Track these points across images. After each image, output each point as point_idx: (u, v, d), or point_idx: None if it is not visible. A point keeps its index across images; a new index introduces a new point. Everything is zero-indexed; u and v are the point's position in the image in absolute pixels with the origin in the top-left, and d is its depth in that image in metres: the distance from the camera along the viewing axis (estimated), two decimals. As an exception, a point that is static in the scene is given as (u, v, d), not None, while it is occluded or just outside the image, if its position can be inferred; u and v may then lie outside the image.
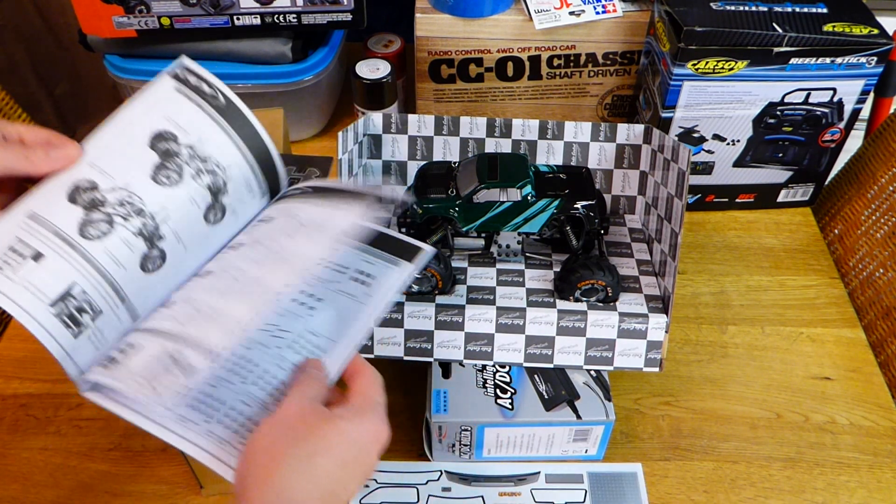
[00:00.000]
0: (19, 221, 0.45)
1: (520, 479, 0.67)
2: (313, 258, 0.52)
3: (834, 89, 0.81)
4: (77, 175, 0.47)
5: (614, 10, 0.90)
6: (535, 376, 0.67)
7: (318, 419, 0.44)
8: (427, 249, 0.55)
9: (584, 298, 0.68)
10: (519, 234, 0.73)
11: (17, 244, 0.44)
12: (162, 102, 0.50)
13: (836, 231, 0.94)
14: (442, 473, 0.67)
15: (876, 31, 0.77)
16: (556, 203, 0.70)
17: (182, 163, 0.49)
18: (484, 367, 0.67)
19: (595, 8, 0.90)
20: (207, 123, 0.51)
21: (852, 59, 0.78)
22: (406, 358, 0.66)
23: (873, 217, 0.88)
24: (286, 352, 0.49)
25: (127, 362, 0.45)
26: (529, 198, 0.69)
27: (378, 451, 0.46)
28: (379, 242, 0.56)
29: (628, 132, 0.79)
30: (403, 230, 0.74)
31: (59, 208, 0.45)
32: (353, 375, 0.49)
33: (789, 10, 0.79)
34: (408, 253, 0.55)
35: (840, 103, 0.82)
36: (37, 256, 0.44)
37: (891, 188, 0.87)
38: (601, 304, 0.68)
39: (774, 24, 0.76)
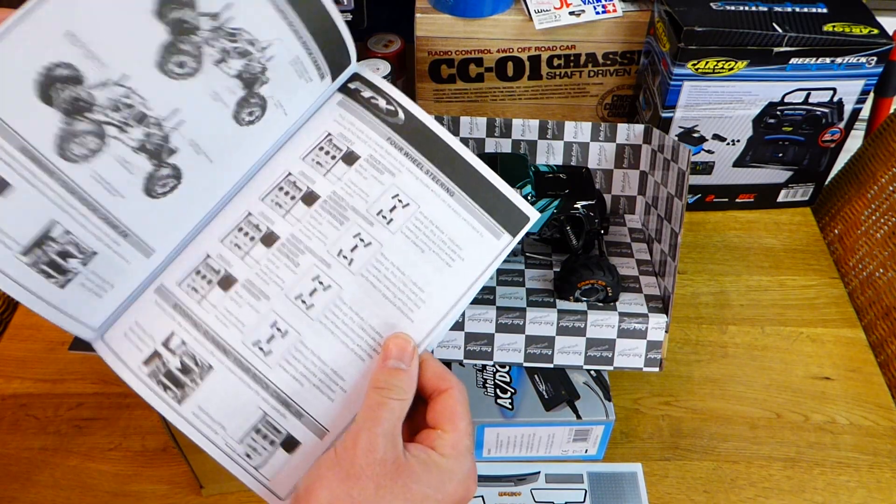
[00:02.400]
0: None
1: (520, 479, 0.67)
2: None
3: (834, 89, 0.81)
4: (51, 52, 0.32)
5: (614, 10, 0.90)
6: (535, 376, 0.67)
7: (397, 472, 0.38)
8: (533, 217, 0.48)
9: (584, 298, 0.68)
10: (519, 234, 0.73)
11: None
12: None
13: (836, 231, 0.94)
14: (442, 473, 0.67)
15: (876, 31, 0.77)
16: (556, 203, 0.70)
17: (201, 41, 0.36)
18: (484, 367, 0.67)
19: (595, 8, 0.90)
20: None
21: (852, 59, 0.78)
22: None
23: (873, 217, 0.88)
24: (346, 338, 0.43)
25: (194, 391, 0.41)
26: (529, 198, 0.69)
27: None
28: (478, 190, 0.46)
29: (628, 132, 0.79)
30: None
31: (27, 110, 0.32)
32: (437, 392, 0.42)
33: (789, 10, 0.79)
34: (513, 220, 0.47)
35: (840, 103, 0.82)
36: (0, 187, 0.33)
37: (891, 188, 0.87)
38: (601, 304, 0.68)
39: (774, 24, 0.76)
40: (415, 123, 0.46)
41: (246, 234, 0.44)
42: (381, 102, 0.46)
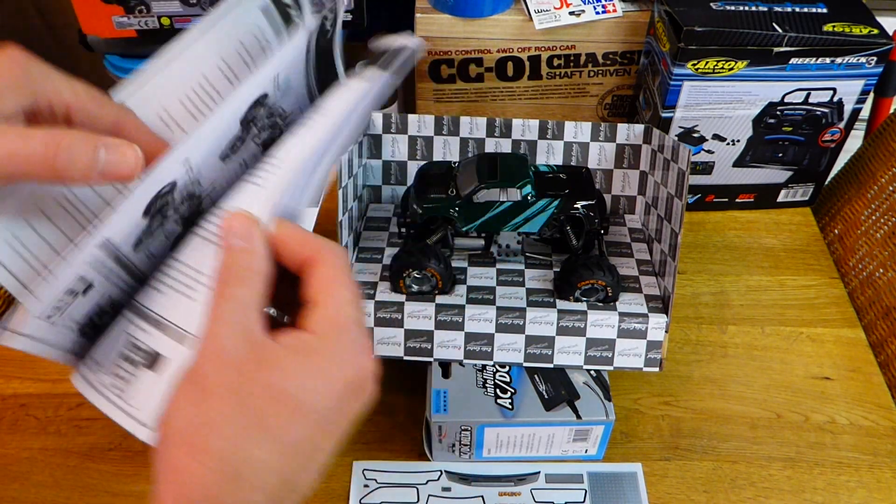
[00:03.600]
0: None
1: (520, 479, 0.67)
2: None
3: (834, 89, 0.81)
4: (167, 176, 0.34)
5: (614, 10, 0.90)
6: (535, 376, 0.67)
7: (258, 370, 0.31)
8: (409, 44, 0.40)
9: (584, 298, 0.68)
10: (519, 234, 0.73)
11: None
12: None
13: (836, 231, 0.94)
14: (442, 473, 0.67)
15: (876, 31, 0.77)
16: (556, 203, 0.70)
17: (256, 128, 0.38)
18: (484, 366, 0.67)
19: (595, 8, 0.90)
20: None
21: (852, 59, 0.78)
22: (406, 358, 0.66)
23: (873, 217, 0.88)
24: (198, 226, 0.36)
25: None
26: (529, 198, 0.69)
27: (362, 397, 0.33)
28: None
29: (628, 132, 0.79)
30: (404, 230, 0.74)
31: (131, 223, 0.34)
32: (306, 265, 0.34)
33: (789, 10, 0.79)
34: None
35: (840, 103, 0.82)
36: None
37: (891, 188, 0.87)
38: (601, 304, 0.68)
39: (774, 24, 0.76)
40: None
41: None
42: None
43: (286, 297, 0.35)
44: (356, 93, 0.38)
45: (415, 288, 0.67)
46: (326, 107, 0.38)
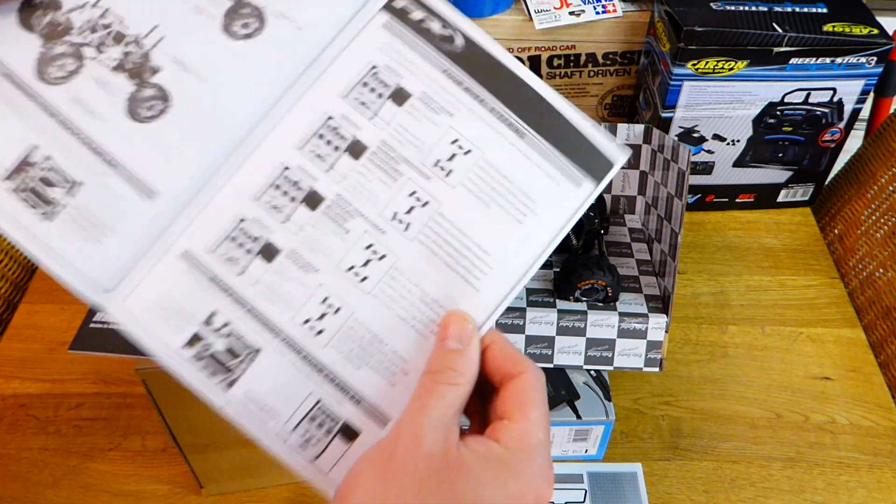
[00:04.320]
0: None
1: (520, 479, 0.67)
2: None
3: (834, 89, 0.81)
4: None
5: (614, 10, 0.90)
6: (535, 376, 0.67)
7: (447, 469, 0.32)
8: (620, 160, 0.40)
9: (584, 298, 0.68)
10: (519, 234, 0.73)
11: None
12: None
13: (836, 231, 0.94)
14: (442, 473, 0.67)
15: (876, 31, 0.77)
16: (556, 203, 0.70)
17: None
18: (484, 367, 0.67)
19: (595, 8, 0.90)
20: None
21: (852, 59, 0.78)
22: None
23: (873, 217, 0.88)
24: (406, 314, 0.38)
25: (243, 376, 0.37)
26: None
27: None
28: (553, 130, 0.40)
29: (628, 132, 0.79)
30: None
31: (9, 38, 0.33)
32: (508, 378, 0.36)
33: (789, 10, 0.79)
34: (594, 164, 0.39)
35: (840, 103, 0.82)
36: None
37: (891, 188, 0.87)
38: (601, 304, 0.68)
39: (774, 24, 0.76)
40: (476, 51, 0.39)
41: (285, 193, 0.38)
42: (435, 25, 0.39)
43: (471, 405, 0.37)
44: (578, 201, 0.39)
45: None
46: (544, 208, 0.38)
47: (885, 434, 0.71)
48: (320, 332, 0.37)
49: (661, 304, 0.68)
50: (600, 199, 0.73)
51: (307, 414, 0.37)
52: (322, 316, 0.38)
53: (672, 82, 0.79)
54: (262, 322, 0.38)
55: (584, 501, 0.66)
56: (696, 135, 0.85)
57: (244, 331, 0.37)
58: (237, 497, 0.65)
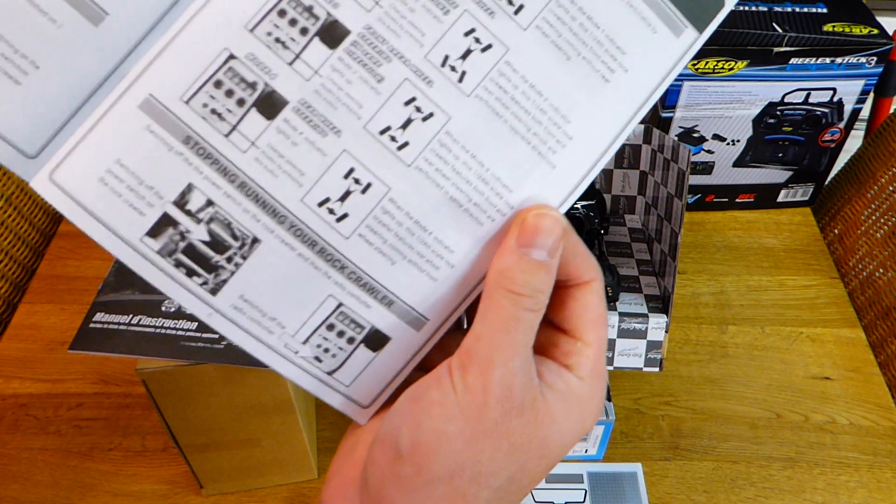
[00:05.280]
0: None
1: (520, 479, 0.67)
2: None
3: (834, 89, 0.81)
4: None
5: (614, 10, 0.90)
6: (535, 376, 0.67)
7: (536, 420, 0.28)
8: (729, 2, 0.31)
9: (584, 298, 0.68)
10: (519, 234, 0.73)
11: None
12: None
13: (836, 231, 0.94)
14: (442, 473, 0.67)
15: (876, 31, 0.77)
16: (556, 203, 0.70)
17: None
18: (484, 367, 0.67)
19: (595, 8, 0.90)
20: None
21: (852, 59, 0.78)
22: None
23: (873, 217, 0.88)
24: (457, 192, 0.29)
25: (234, 276, 0.29)
26: (529, 198, 0.69)
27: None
28: None
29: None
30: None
31: None
32: (576, 284, 0.30)
33: (789, 10, 0.79)
34: (697, 6, 0.31)
35: (840, 103, 0.82)
36: None
37: (891, 188, 0.87)
38: (601, 304, 0.68)
39: (774, 24, 0.76)
40: None
41: (293, 22, 0.28)
42: None
43: None
44: (678, 53, 0.31)
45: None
46: (637, 62, 0.30)
47: (885, 434, 0.71)
48: (343, 217, 0.29)
49: (661, 304, 0.68)
50: (600, 199, 0.73)
51: (324, 321, 0.30)
52: (345, 195, 0.29)
53: (672, 82, 0.79)
54: (261, 202, 0.28)
55: (584, 501, 0.66)
56: (696, 135, 0.85)
57: (235, 213, 0.28)
58: (237, 497, 0.65)
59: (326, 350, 0.30)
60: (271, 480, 0.65)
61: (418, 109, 0.29)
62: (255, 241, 0.29)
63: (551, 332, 0.30)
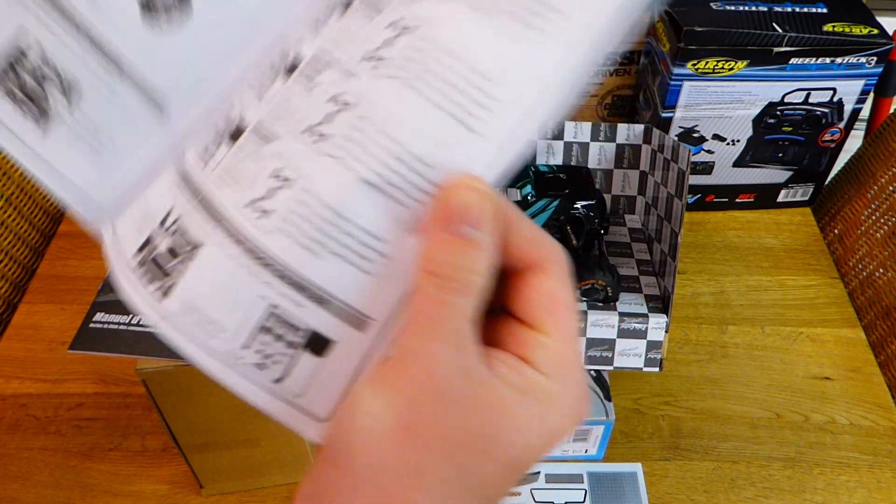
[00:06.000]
0: None
1: (520, 479, 0.67)
2: None
3: (834, 89, 0.81)
4: None
5: (614, 10, 0.90)
6: (535, 376, 0.67)
7: (483, 404, 0.24)
8: None
9: (584, 298, 0.68)
10: (519, 234, 0.73)
11: None
12: None
13: (836, 231, 0.94)
14: (442, 473, 0.67)
15: (876, 31, 0.77)
16: (555, 203, 0.70)
17: None
18: (484, 367, 0.67)
19: (595, 8, 0.90)
20: None
21: (852, 59, 0.78)
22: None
23: (873, 217, 0.88)
24: (377, 177, 0.27)
25: (179, 281, 0.29)
26: (529, 198, 0.69)
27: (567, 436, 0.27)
28: None
29: (628, 132, 0.79)
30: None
31: None
32: (530, 268, 0.26)
33: (789, 10, 0.79)
34: None
35: (840, 103, 0.82)
36: None
37: (891, 188, 0.87)
38: (601, 304, 0.68)
39: (774, 24, 0.76)
40: None
41: (271, 66, 0.29)
42: None
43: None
44: None
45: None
46: (571, 4, 0.26)
47: (885, 434, 0.71)
48: (266, 212, 0.28)
49: (661, 304, 0.68)
50: (600, 199, 0.73)
51: (259, 324, 0.28)
52: (272, 192, 0.28)
53: (672, 82, 0.79)
54: (209, 210, 0.29)
55: (584, 501, 0.66)
56: (696, 135, 0.85)
57: (189, 223, 0.29)
58: (237, 497, 0.65)
59: (268, 356, 0.29)
60: (271, 480, 0.65)
61: (338, 102, 0.28)
62: (198, 246, 0.29)
63: (510, 322, 0.27)
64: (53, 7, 0.27)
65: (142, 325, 0.52)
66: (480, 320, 0.26)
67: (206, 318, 0.29)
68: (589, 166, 0.81)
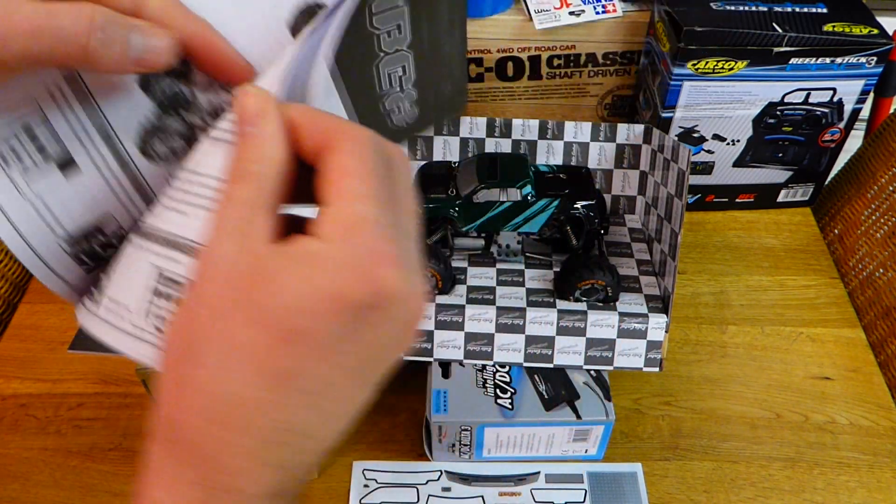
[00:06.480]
0: None
1: (520, 479, 0.67)
2: None
3: (834, 89, 0.81)
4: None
5: (614, 10, 0.90)
6: (535, 376, 0.67)
7: (251, 282, 0.25)
8: None
9: (584, 298, 0.68)
10: (519, 234, 0.73)
11: None
12: None
13: (835, 231, 0.94)
14: (442, 473, 0.67)
15: (876, 31, 0.77)
16: (556, 203, 0.70)
17: None
18: (484, 366, 0.67)
19: (595, 8, 0.90)
20: None
21: (852, 59, 0.78)
22: (406, 358, 0.66)
23: (873, 217, 0.88)
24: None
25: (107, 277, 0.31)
26: (529, 198, 0.69)
27: (386, 319, 0.26)
28: None
29: (628, 132, 0.79)
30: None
31: (123, 94, 0.30)
32: (322, 154, 0.27)
33: (789, 10, 0.79)
34: None
35: (840, 103, 0.82)
36: None
37: (891, 188, 0.87)
38: (601, 304, 0.68)
39: (774, 24, 0.76)
40: None
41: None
42: None
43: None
44: None
45: (415, 288, 0.67)
46: None
47: (885, 434, 0.71)
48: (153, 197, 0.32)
49: (661, 304, 0.68)
50: (600, 198, 0.73)
51: (152, 290, 0.30)
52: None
53: (672, 82, 0.79)
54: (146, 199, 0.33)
55: (584, 501, 0.66)
56: (696, 135, 0.85)
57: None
58: (237, 497, 0.65)
59: (163, 319, 0.30)
60: (271, 480, 0.65)
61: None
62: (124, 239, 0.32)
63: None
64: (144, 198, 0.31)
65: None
66: (276, 206, 0.27)
67: (115, 301, 0.31)
68: (589, 166, 0.81)
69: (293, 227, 0.27)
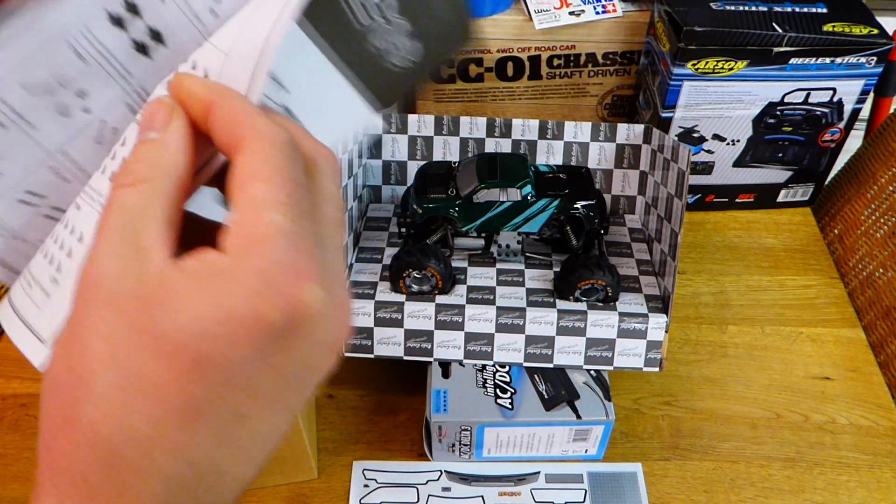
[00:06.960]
0: None
1: (520, 478, 0.67)
2: None
3: (834, 89, 0.81)
4: None
5: (614, 10, 0.90)
6: (535, 376, 0.67)
7: (149, 297, 0.22)
8: None
9: (584, 298, 0.68)
10: (519, 233, 0.73)
11: None
12: None
13: (835, 231, 0.94)
14: (442, 473, 0.67)
15: (876, 31, 0.77)
16: (556, 203, 0.70)
17: None
18: (484, 366, 0.67)
19: (595, 8, 0.90)
20: None
21: (852, 59, 0.78)
22: (406, 358, 0.66)
23: (873, 217, 0.88)
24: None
25: None
26: (529, 198, 0.70)
27: (300, 341, 0.23)
28: None
29: (628, 132, 0.79)
30: (403, 230, 0.74)
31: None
32: (232, 149, 0.24)
33: (789, 10, 0.79)
34: None
35: (840, 103, 0.82)
36: None
37: (891, 188, 0.87)
38: (601, 304, 0.68)
39: (774, 24, 0.76)
40: None
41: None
42: None
43: None
44: None
45: (415, 288, 0.67)
46: None
47: (885, 434, 0.71)
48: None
49: (661, 304, 0.68)
50: (600, 198, 0.73)
51: (56, 265, 0.30)
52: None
53: (672, 82, 0.79)
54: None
55: (584, 501, 0.66)
56: (696, 135, 0.85)
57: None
58: (237, 497, 0.65)
59: (47, 293, 0.31)
60: (271, 480, 0.65)
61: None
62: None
63: None
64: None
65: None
66: (174, 216, 0.24)
67: (34, 280, 0.32)
68: (589, 166, 0.81)
69: (210, 240, 0.24)
